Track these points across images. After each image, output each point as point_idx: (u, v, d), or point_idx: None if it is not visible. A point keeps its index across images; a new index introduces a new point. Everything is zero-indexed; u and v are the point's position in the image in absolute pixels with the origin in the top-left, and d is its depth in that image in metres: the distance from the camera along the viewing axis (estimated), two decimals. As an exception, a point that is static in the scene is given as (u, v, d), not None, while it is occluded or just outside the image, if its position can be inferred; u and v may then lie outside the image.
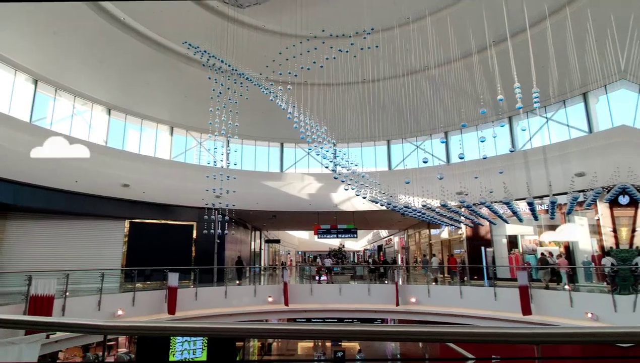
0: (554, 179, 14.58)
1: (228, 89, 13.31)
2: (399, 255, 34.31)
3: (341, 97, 15.51)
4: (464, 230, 21.06)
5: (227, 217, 15.10)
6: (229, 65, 13.41)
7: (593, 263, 15.38)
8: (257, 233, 31.47)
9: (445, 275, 20.05)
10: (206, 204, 15.01)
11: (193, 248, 19.84)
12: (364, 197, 15.24)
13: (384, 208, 16.19)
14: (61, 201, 15.61)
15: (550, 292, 13.99)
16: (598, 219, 15.95)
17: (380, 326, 1.20)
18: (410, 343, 21.54)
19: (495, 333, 1.14)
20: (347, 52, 13.09)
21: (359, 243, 53.12)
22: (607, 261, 11.01)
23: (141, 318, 13.16)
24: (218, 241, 19.24)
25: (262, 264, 32.02)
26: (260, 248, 32.44)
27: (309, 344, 25.18)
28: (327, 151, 13.88)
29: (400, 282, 17.63)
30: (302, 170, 23.70)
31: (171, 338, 16.05)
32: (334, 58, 13.31)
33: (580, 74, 11.80)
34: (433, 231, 26.50)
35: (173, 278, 14.50)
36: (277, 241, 35.14)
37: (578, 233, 17.28)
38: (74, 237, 16.75)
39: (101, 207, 17.11)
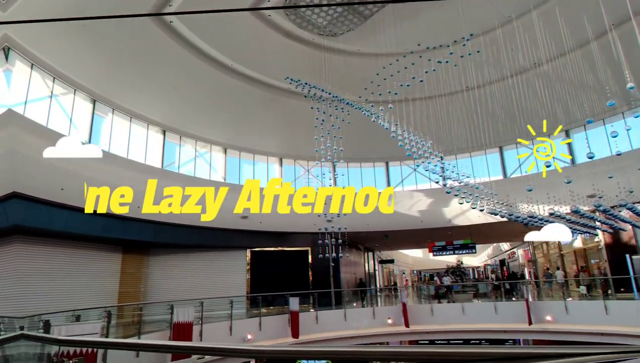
0: None
1: (330, 115, 14.08)
2: (526, 269, 30.81)
3: (445, 108, 15.21)
4: (601, 237, 18.17)
5: (340, 240, 15.78)
6: (330, 93, 14.18)
7: None
8: (370, 254, 31.75)
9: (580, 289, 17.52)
10: (319, 229, 15.85)
11: (310, 273, 20.97)
12: (482, 210, 14.45)
13: (504, 219, 15.07)
14: (191, 236, 17.67)
15: None
16: None
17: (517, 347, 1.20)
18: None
19: None
20: (447, 62, 12.80)
21: (478, 258, 49.32)
22: None
23: (268, 342, 13.96)
24: (333, 264, 20.11)
25: (378, 285, 31.99)
26: (375, 269, 32.57)
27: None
28: (434, 166, 13.69)
29: (530, 299, 15.96)
30: (410, 188, 23.48)
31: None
32: (434, 70, 13.10)
33: None
34: (564, 241, 23.27)
35: (294, 303, 15.20)
36: (391, 261, 34.87)
37: None
38: (203, 268, 18.91)
39: (224, 238, 19.06)
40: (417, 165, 15.57)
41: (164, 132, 18.65)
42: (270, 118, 20.15)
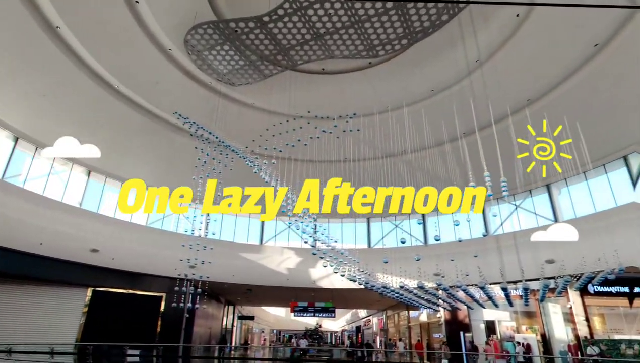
0: (525, 264, 14.93)
1: (213, 159, 13.67)
2: (378, 337, 32.76)
3: (323, 173, 16.14)
4: (442, 314, 20.65)
5: (199, 290, 14.52)
6: (216, 137, 13.97)
7: (570, 353, 15.11)
8: (231, 308, 29.91)
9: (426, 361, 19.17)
10: (179, 275, 14.48)
11: (159, 322, 18.57)
12: (342, 275, 15.08)
13: (361, 287, 15.96)
14: (20, 264, 14.69)
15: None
16: (571, 307, 16.07)
17: None
18: None
19: None
20: (330, 132, 13.98)
21: (337, 323, 50.76)
22: (591, 350, 11.25)
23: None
24: (187, 315, 18.20)
25: (233, 342, 29.84)
26: (233, 325, 30.56)
27: None
28: (306, 226, 14.03)
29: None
30: (281, 243, 23.51)
31: None
32: (318, 137, 14.13)
33: (540, 167, 12.84)
34: (412, 313, 25.79)
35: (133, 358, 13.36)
36: (252, 317, 33.32)
37: (553, 322, 17.20)
38: (28, 305, 15.46)
39: (63, 272, 16.10)
40: (290, 223, 15.75)
41: (16, 139, 15.81)
42: (148, 148, 18.53)
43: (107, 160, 18.42)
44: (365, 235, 24.03)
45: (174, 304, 14.56)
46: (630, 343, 12.38)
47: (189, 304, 15.96)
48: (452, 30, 11.88)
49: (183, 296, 14.61)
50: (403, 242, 12.13)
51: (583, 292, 15.76)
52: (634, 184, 15.53)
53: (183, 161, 15.26)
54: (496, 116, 10.14)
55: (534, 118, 11.70)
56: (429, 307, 19.09)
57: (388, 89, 15.41)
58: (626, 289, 16.15)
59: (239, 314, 32.11)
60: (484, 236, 15.53)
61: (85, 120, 16.16)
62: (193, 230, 13.47)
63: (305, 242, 13.94)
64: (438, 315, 21.26)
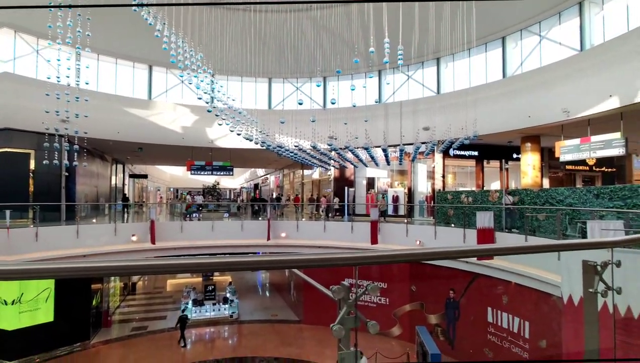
0: (405, 130, 16.82)
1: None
2: (274, 194, 35.72)
3: (221, 22, 14.36)
4: (332, 172, 22.97)
5: (76, 146, 13.18)
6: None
7: (425, 202, 18.86)
8: (120, 167, 28.43)
9: (314, 211, 21.87)
10: (47, 129, 12.73)
11: (31, 182, 16.85)
12: (239, 134, 15.09)
13: (259, 146, 16.37)
14: None
15: (393, 225, 16.70)
16: (434, 167, 19.34)
17: (243, 257, 1.35)
18: (277, 273, 23.44)
19: (323, 259, 1.43)
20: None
21: (236, 181, 53.07)
22: (506, 199, 13.27)
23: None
24: (67, 174, 16.81)
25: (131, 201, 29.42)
26: (124, 183, 29.60)
27: (180, 280, 25.04)
28: (201, 81, 13.02)
29: (272, 219, 18.60)
30: (175, 100, 21.78)
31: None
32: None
33: (435, 41, 13.45)
34: (306, 172, 28.14)
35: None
36: (144, 176, 32.49)
37: (419, 178, 20.75)
38: None
39: None
40: (182, 75, 14.37)
41: None
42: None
43: None
44: (266, 96, 23.55)
45: (46, 161, 13.17)
46: (467, 193, 15.84)
47: (66, 162, 14.60)
48: None
49: (57, 153, 13.20)
50: (300, 104, 12.29)
51: (445, 154, 18.84)
52: (504, 65, 17.55)
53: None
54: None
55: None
56: (321, 166, 20.92)
57: None
58: (476, 153, 19.83)
59: (130, 173, 30.94)
60: (377, 103, 16.61)
61: None
62: (59, 77, 11.29)
63: (199, 98, 13.10)
64: (329, 173, 23.60)
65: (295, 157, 17.49)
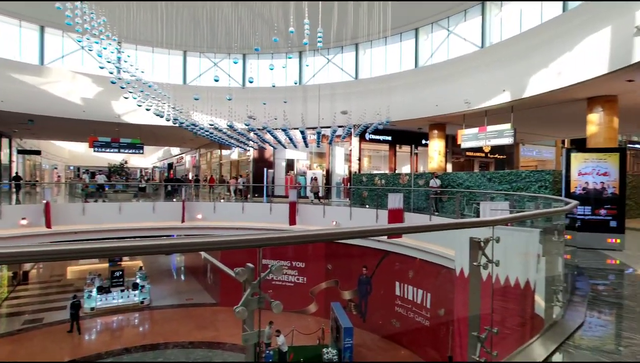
0: (323, 113, 17.18)
1: None
2: (190, 174, 34.10)
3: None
4: (251, 153, 22.64)
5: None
6: None
7: (343, 184, 19.70)
8: (5, 141, 24.56)
9: (226, 193, 21.41)
10: None
11: None
12: (148, 109, 14.01)
13: (171, 124, 15.42)
14: None
15: (311, 206, 17.18)
16: (351, 150, 20.20)
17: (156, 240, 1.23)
18: (193, 256, 22.70)
19: (226, 241, 1.34)
20: None
21: (148, 159, 49.47)
22: (433, 182, 13.83)
23: None
24: None
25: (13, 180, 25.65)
26: (11, 160, 25.68)
27: (82, 267, 22.85)
28: (104, 48, 11.73)
29: (187, 200, 17.81)
30: (74, 67, 19.29)
31: None
32: None
33: (353, 27, 13.83)
34: (224, 151, 27.29)
35: None
36: (37, 152, 28.53)
37: (336, 161, 21.52)
38: None
39: None
40: (80, 40, 12.82)
41: None
42: None
43: None
44: (180, 70, 22.06)
45: None
46: (381, 176, 16.95)
47: None
48: None
49: None
50: (217, 80, 11.80)
51: (362, 138, 19.76)
52: (416, 56, 18.79)
53: None
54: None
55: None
56: (239, 146, 20.46)
57: None
58: (389, 138, 21.15)
59: (19, 148, 26.94)
60: (296, 84, 16.65)
61: None
62: None
63: (102, 68, 11.83)
64: (248, 154, 23.20)
65: (212, 136, 16.86)
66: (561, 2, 12.87)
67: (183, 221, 16.42)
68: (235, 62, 13.34)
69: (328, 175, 21.26)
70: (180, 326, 15.26)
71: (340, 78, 20.88)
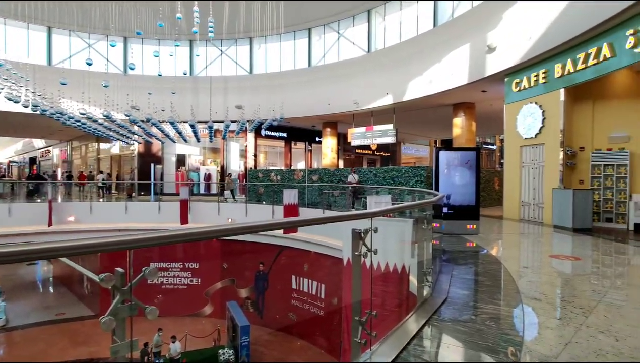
0: (216, 107, 16.58)
1: None
2: (60, 170, 29.49)
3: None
4: (136, 147, 20.64)
5: None
6: None
7: (238, 181, 19.35)
8: None
9: (114, 191, 19.31)
10: None
11: None
12: (-1, 93, 11.68)
13: (31, 111, 13.12)
14: None
15: (205, 203, 16.46)
16: (246, 146, 19.96)
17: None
18: (63, 264, 19.80)
19: (88, 245, 1.17)
20: None
21: (2, 153, 41.42)
22: (352, 178, 13.64)
23: None
24: None
25: None
26: None
27: None
28: None
29: (55, 200, 15.40)
30: None
31: None
32: None
33: (245, 21, 13.64)
34: (103, 145, 24.30)
35: None
36: None
37: (232, 157, 21.03)
38: None
39: None
40: None
41: None
42: None
43: None
44: (44, 48, 18.84)
45: None
46: (276, 172, 17.13)
47: None
48: None
49: None
50: (89, 64, 10.41)
51: (257, 134, 19.67)
52: (309, 55, 19.41)
53: None
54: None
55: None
56: (120, 139, 18.48)
57: None
58: (285, 134, 21.49)
59: None
60: (185, 74, 15.67)
61: None
62: None
63: None
64: (132, 148, 21.09)
65: (84, 127, 14.85)
66: (431, 17, 14.67)
67: (50, 225, 14.22)
68: (113, 45, 11.84)
69: (223, 171, 20.62)
70: (49, 346, 13.18)
71: (234, 71, 20.36)
